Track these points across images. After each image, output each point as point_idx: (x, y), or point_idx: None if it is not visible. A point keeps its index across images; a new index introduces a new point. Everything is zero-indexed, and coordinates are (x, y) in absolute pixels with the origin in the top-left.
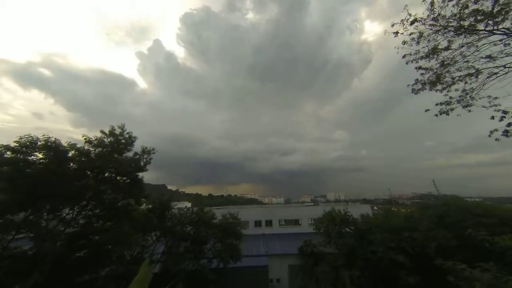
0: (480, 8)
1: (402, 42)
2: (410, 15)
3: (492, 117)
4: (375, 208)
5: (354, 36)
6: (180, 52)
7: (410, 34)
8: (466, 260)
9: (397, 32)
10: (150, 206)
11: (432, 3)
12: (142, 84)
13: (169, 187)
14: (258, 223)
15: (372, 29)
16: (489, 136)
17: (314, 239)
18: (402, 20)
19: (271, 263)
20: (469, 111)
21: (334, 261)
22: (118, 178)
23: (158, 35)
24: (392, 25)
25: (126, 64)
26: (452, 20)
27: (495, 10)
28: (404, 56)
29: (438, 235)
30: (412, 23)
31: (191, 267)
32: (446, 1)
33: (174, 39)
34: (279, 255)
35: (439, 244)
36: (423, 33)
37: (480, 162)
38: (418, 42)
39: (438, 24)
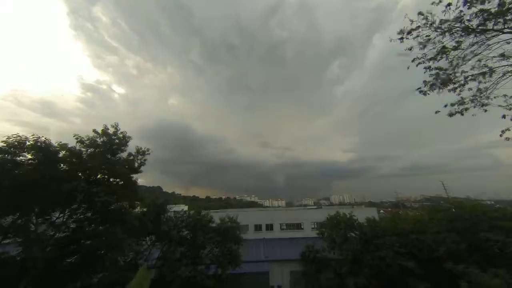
0: (487, 8)
1: (407, 48)
2: (412, 21)
3: (503, 116)
4: (382, 211)
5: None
6: None
7: (415, 38)
8: (476, 265)
9: (402, 38)
10: (144, 209)
11: (426, 17)
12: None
13: (164, 190)
14: (258, 227)
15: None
16: (501, 135)
17: (317, 244)
18: (401, 30)
19: (272, 269)
20: (485, 110)
21: (338, 267)
22: (111, 180)
23: None
24: (398, 33)
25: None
26: (456, 22)
27: (504, 8)
28: (413, 60)
29: (447, 239)
30: (409, 32)
31: (187, 273)
32: (447, 8)
33: None
34: (280, 260)
35: (449, 248)
36: (429, 36)
37: (490, 163)
38: (424, 46)
39: (442, 28)
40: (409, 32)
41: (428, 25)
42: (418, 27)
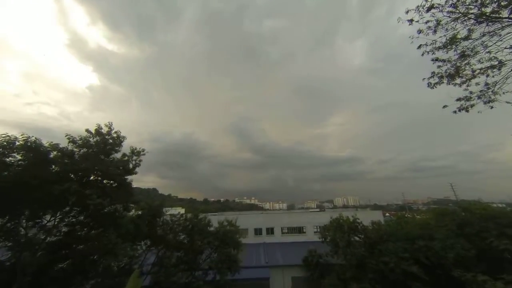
0: None
1: (418, 31)
2: (426, 0)
3: None
4: (387, 214)
5: None
6: None
7: (426, 22)
8: (486, 272)
9: (412, 20)
10: (139, 212)
11: None
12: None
13: (160, 192)
14: (258, 231)
15: None
16: None
17: (320, 248)
18: (417, 6)
19: (273, 275)
20: (491, 107)
21: (342, 273)
22: (104, 181)
23: None
24: (407, 12)
25: None
26: (473, 7)
27: None
28: (419, 47)
29: (456, 245)
30: (429, 9)
31: (184, 280)
32: None
33: None
34: (281, 266)
35: (457, 254)
36: (440, 21)
37: (500, 163)
38: (435, 31)
39: (458, 11)
40: (428, 9)
41: (441, 6)
42: (432, 6)
